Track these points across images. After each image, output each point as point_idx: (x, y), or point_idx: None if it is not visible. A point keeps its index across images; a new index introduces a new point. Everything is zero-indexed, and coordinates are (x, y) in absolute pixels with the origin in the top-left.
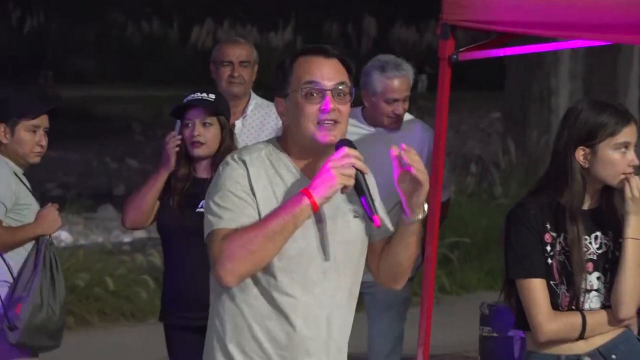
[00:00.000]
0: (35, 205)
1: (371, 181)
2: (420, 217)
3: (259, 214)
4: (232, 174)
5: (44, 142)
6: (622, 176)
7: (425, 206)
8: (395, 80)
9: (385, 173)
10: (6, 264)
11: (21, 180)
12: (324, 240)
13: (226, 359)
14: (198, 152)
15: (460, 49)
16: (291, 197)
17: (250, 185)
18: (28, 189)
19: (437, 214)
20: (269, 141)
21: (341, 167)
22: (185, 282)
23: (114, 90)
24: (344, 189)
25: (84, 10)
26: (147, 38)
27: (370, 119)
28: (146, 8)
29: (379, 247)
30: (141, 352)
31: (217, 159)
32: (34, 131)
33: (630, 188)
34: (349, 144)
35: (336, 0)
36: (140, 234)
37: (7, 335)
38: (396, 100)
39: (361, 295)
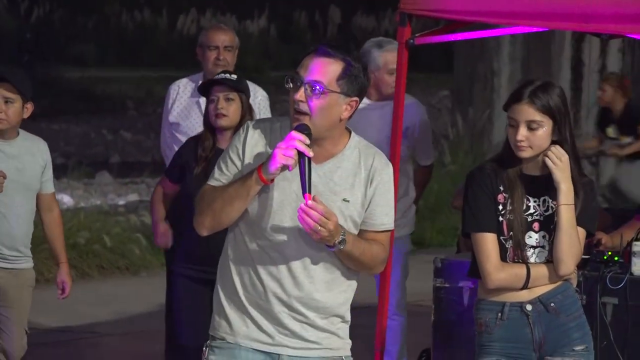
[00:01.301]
0: None
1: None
2: (338, 246)
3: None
4: (236, 138)
5: (3, 109)
6: (520, 148)
7: (339, 237)
8: (393, 53)
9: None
10: None
11: None
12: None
13: (218, 295)
14: (221, 123)
15: (416, 35)
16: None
17: (243, 148)
18: None
19: (396, 194)
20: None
21: (285, 148)
22: (200, 239)
23: (111, 71)
24: (285, 167)
25: (85, 2)
26: (140, 26)
27: (375, 95)
28: None
29: (365, 236)
30: (135, 300)
31: None
32: (3, 99)
33: (550, 159)
34: (302, 128)
35: None
36: (134, 196)
37: None
38: (391, 71)
39: None
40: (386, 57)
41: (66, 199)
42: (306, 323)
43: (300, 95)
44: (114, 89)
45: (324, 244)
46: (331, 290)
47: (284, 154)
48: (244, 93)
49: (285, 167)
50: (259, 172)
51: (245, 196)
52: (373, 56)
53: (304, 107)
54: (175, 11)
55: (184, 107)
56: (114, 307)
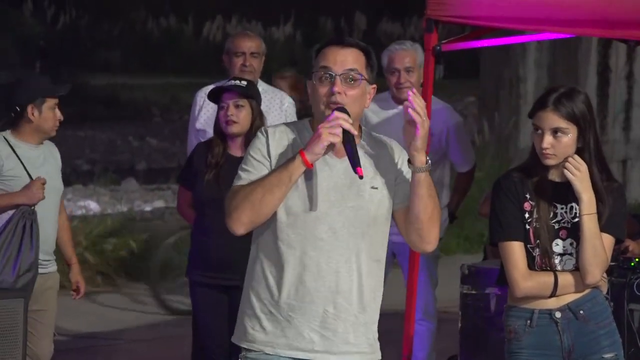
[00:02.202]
0: (25, 179)
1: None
2: (422, 165)
3: None
4: (256, 142)
5: (61, 118)
6: (546, 156)
7: (425, 158)
8: (395, 52)
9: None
10: None
11: (16, 155)
12: (334, 204)
13: (247, 304)
14: (231, 129)
15: (443, 41)
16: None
17: (267, 150)
18: (22, 163)
19: None
20: (304, 120)
21: (329, 127)
22: (214, 245)
23: (136, 78)
24: (331, 146)
25: (110, 8)
26: (165, 32)
27: (394, 99)
28: (165, 5)
29: (403, 215)
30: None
31: (249, 137)
32: (54, 109)
33: (569, 170)
34: (342, 109)
35: None
36: (160, 203)
37: None
38: (396, 70)
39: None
40: (387, 57)
41: (92, 206)
42: (348, 322)
43: (338, 86)
44: (139, 95)
45: (417, 164)
46: (370, 287)
47: (331, 132)
48: (254, 99)
49: (331, 147)
50: (302, 155)
51: (287, 182)
52: (381, 57)
53: (342, 98)
54: (201, 18)
55: (211, 114)
56: (141, 313)
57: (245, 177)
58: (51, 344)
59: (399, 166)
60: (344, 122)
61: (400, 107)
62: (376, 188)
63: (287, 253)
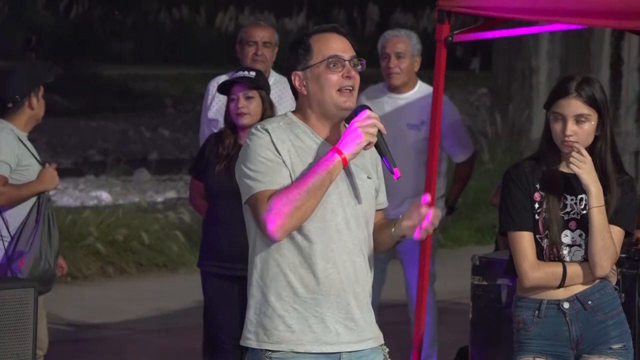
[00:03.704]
0: (36, 166)
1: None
2: (397, 242)
3: (291, 174)
4: (260, 141)
5: None
6: (565, 146)
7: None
8: (388, 39)
9: (394, 132)
10: (3, 220)
11: (24, 144)
12: (343, 196)
13: (264, 305)
14: (243, 121)
15: (455, 32)
16: (323, 156)
17: (275, 148)
18: (30, 151)
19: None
20: (284, 114)
21: (366, 126)
22: (226, 236)
23: (149, 69)
24: (367, 146)
25: None
26: (178, 23)
27: (388, 87)
28: None
29: (376, 216)
30: (173, 297)
31: None
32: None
33: (574, 165)
34: (369, 108)
35: None
36: (172, 194)
37: None
38: (388, 55)
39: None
40: (381, 43)
41: (104, 196)
42: (364, 310)
43: (353, 70)
44: (152, 86)
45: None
46: (371, 274)
47: (369, 132)
48: (264, 89)
49: (368, 146)
50: (339, 154)
51: (328, 184)
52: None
53: (356, 82)
54: (214, 9)
55: (223, 104)
56: (152, 303)
57: (266, 180)
58: (46, 326)
59: (373, 161)
60: (377, 121)
61: (392, 94)
62: (370, 178)
63: (309, 247)
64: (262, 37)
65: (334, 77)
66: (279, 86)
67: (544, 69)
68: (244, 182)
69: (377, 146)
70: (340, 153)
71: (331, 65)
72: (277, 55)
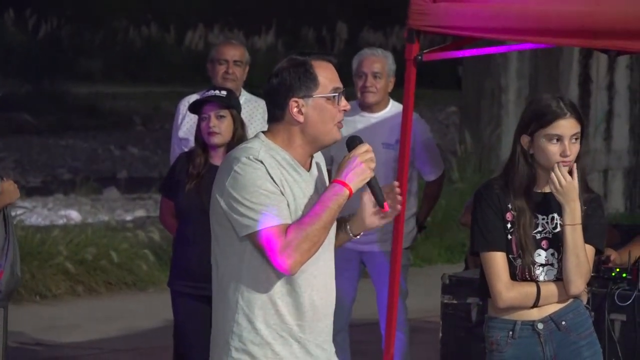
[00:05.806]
0: None
1: None
2: (356, 237)
3: (289, 204)
4: (257, 173)
5: None
6: (566, 164)
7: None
8: (364, 57)
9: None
10: None
11: None
12: None
13: (251, 334)
14: (214, 140)
15: (424, 51)
16: (329, 189)
17: (273, 180)
18: None
19: (402, 211)
20: (258, 137)
21: (367, 160)
22: (196, 255)
23: (118, 87)
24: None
25: (92, 17)
26: (147, 41)
27: (360, 105)
28: (146, 14)
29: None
30: (142, 316)
31: (231, 146)
32: None
33: (553, 183)
34: (360, 140)
35: (312, 8)
36: (141, 212)
37: None
38: (364, 73)
39: (364, 264)
40: (356, 62)
41: (74, 215)
42: (332, 329)
43: (348, 105)
44: (121, 104)
45: (361, 229)
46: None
47: (370, 167)
48: (235, 108)
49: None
50: (346, 187)
51: (336, 218)
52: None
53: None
54: (183, 27)
55: (194, 123)
56: (122, 323)
57: (279, 214)
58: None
59: (326, 175)
60: (372, 155)
61: (364, 113)
62: None
63: (296, 275)
64: (233, 55)
65: (333, 111)
66: (249, 105)
67: (513, 87)
68: (243, 216)
69: (369, 181)
70: (347, 186)
71: (337, 99)
72: (247, 74)
